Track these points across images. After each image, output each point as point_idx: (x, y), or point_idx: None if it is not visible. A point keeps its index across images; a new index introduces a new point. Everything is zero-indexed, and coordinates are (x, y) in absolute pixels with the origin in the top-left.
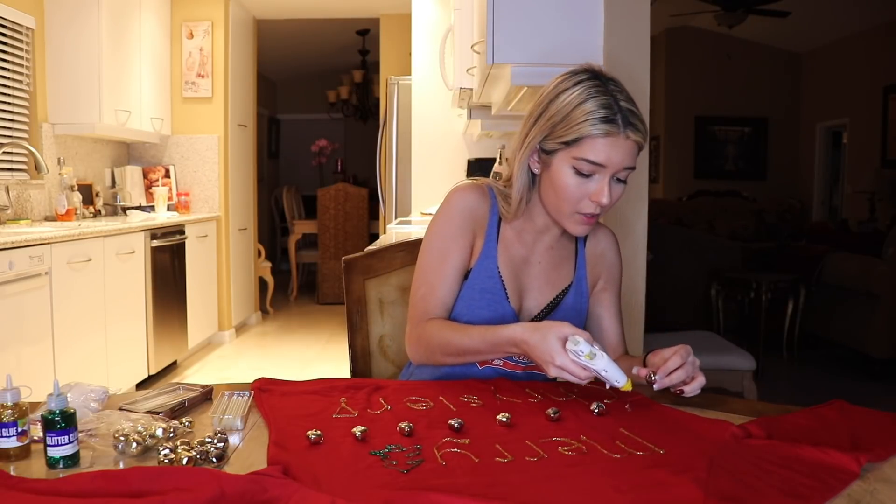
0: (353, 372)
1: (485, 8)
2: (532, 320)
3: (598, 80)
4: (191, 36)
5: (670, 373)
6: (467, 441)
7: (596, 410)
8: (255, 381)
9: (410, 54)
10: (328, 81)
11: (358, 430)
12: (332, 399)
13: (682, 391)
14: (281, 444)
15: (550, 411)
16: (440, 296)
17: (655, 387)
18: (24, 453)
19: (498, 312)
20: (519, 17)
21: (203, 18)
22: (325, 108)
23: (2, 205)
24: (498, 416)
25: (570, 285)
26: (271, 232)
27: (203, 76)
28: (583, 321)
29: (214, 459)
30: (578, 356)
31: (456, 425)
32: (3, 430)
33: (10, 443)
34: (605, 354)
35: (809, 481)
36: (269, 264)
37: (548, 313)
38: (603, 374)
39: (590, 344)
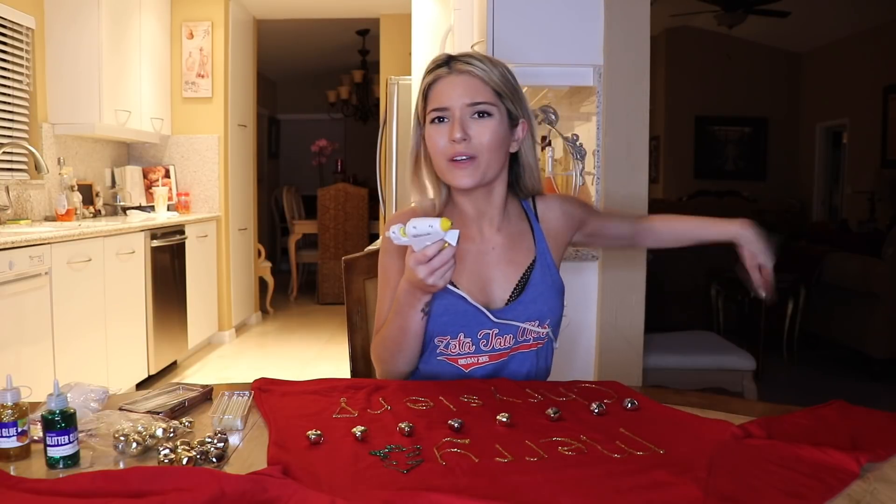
0: (353, 372)
1: (485, 8)
2: (506, 304)
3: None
4: (191, 36)
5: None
6: (467, 441)
7: (596, 410)
8: (255, 381)
9: (410, 54)
10: (328, 81)
11: (358, 430)
12: (332, 399)
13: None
14: (281, 444)
15: (550, 411)
16: (385, 318)
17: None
18: (24, 453)
19: (459, 313)
20: (519, 17)
21: (203, 18)
22: (325, 108)
23: (2, 205)
24: (498, 416)
25: (533, 260)
26: (271, 232)
27: (203, 76)
28: (557, 291)
29: (214, 459)
30: (401, 240)
31: (456, 425)
32: (3, 430)
33: (10, 443)
34: (413, 220)
35: (809, 481)
36: (269, 264)
37: (519, 293)
38: (414, 231)
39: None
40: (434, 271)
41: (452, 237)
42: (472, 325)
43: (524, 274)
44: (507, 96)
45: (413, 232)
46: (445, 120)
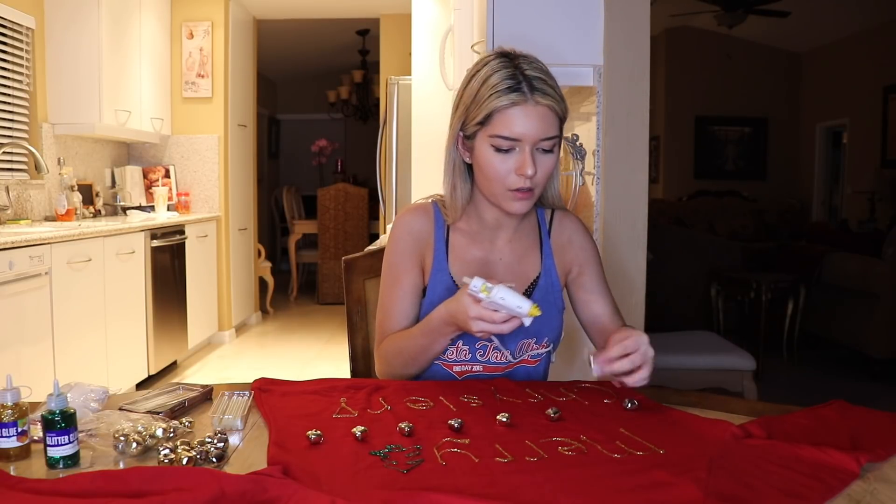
0: (353, 372)
1: (485, 8)
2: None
3: (505, 57)
4: (191, 36)
5: (614, 360)
6: (467, 441)
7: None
8: (255, 381)
9: (410, 54)
10: (328, 81)
11: (358, 430)
12: (332, 399)
13: (621, 383)
14: (281, 444)
15: (550, 411)
16: (395, 318)
17: (594, 373)
18: (24, 453)
19: None
20: (519, 17)
21: (203, 18)
22: (325, 108)
23: (2, 205)
24: (498, 416)
25: (538, 276)
26: (271, 232)
27: (203, 76)
28: (558, 310)
29: (214, 459)
30: (478, 295)
31: (456, 425)
32: (3, 430)
33: (10, 443)
34: (503, 286)
35: (809, 481)
36: (269, 264)
37: None
38: (500, 301)
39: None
40: (488, 329)
41: (529, 321)
42: (473, 336)
43: (527, 290)
44: (564, 122)
45: (500, 302)
46: (513, 150)
